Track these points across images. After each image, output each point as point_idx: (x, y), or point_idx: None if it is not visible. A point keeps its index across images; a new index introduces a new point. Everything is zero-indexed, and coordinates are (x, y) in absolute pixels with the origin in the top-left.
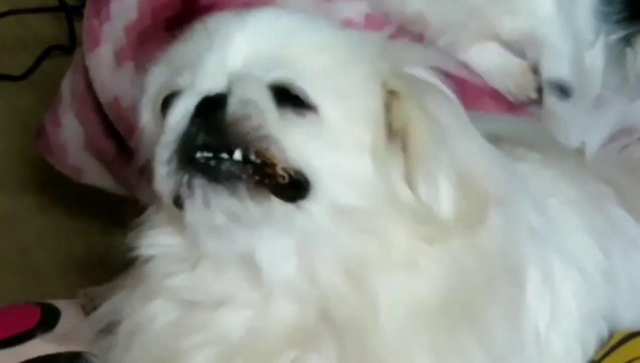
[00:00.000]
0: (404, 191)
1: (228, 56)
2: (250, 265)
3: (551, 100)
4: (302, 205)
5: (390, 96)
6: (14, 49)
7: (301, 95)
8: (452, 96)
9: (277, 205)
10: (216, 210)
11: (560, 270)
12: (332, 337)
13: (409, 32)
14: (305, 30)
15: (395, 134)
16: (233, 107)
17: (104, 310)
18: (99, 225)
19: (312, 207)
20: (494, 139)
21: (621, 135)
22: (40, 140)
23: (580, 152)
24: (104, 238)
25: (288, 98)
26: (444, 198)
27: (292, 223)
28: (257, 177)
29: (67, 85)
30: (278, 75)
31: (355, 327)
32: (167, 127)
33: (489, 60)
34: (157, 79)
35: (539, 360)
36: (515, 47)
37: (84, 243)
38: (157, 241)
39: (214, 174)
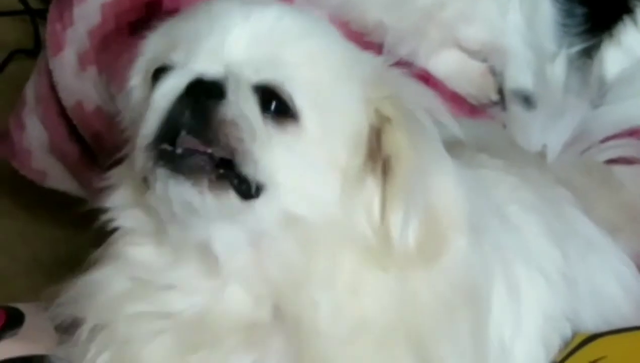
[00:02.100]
0: (362, 217)
1: (226, 44)
2: (206, 253)
3: (514, 107)
4: (253, 204)
5: (381, 121)
6: None
7: (287, 100)
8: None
9: (233, 199)
10: (175, 200)
11: (524, 277)
12: (283, 334)
13: (370, 42)
14: (304, 36)
15: (377, 158)
16: (225, 109)
17: (65, 299)
18: (63, 228)
19: (262, 208)
20: (457, 144)
21: (581, 139)
22: (4, 144)
23: (541, 155)
24: (67, 242)
25: (273, 100)
26: (412, 230)
27: (244, 219)
28: (221, 171)
29: (32, 89)
30: (269, 76)
31: (302, 329)
32: (154, 100)
33: (448, 65)
34: (152, 48)
35: None
36: (478, 56)
37: (48, 247)
38: (128, 213)
39: (179, 166)
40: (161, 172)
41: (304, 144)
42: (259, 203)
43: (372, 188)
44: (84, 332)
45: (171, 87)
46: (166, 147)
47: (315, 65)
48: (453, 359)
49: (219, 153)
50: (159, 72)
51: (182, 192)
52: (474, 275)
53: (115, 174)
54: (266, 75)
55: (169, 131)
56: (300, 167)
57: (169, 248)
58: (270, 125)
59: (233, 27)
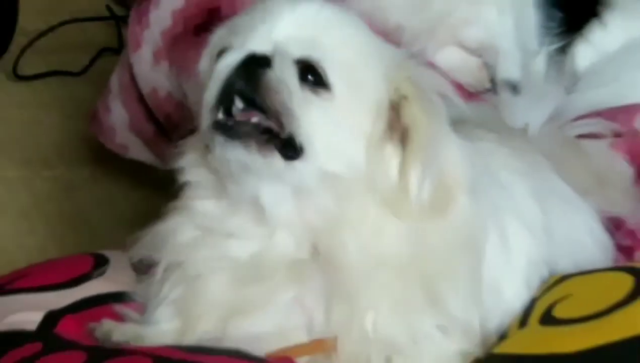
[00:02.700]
0: (383, 176)
1: (275, 29)
2: (257, 206)
3: (504, 94)
4: (295, 164)
5: (400, 98)
6: (75, 50)
7: (322, 74)
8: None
9: (277, 160)
10: (231, 161)
11: (513, 229)
12: (320, 270)
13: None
14: (338, 25)
15: (395, 128)
16: (271, 78)
17: (143, 243)
18: (141, 191)
19: (302, 167)
20: (460, 122)
21: (557, 118)
22: (94, 123)
23: (525, 131)
24: (146, 200)
25: (310, 74)
26: (427, 187)
27: (287, 177)
28: (266, 136)
29: (116, 79)
30: (309, 54)
31: (334, 265)
32: (216, 71)
33: (451, 60)
34: (218, 37)
35: (496, 307)
36: (475, 53)
37: (130, 205)
38: (195, 171)
39: (232, 134)
40: (219, 139)
41: (335, 110)
42: (299, 164)
43: (390, 153)
44: (158, 272)
45: (230, 61)
46: (222, 118)
47: (347, 48)
48: (451, 294)
49: (265, 122)
50: (221, 53)
51: (236, 154)
52: (473, 227)
53: (184, 142)
54: (306, 53)
55: (226, 98)
56: (333, 131)
57: (227, 201)
58: (307, 91)
59: (282, 16)
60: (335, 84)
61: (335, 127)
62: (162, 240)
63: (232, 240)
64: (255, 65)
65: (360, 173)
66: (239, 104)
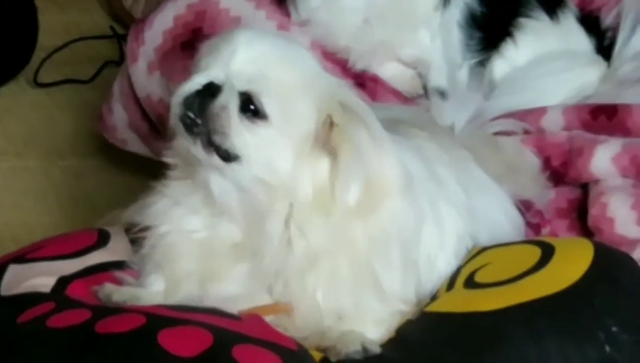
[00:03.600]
0: (308, 184)
1: (231, 61)
2: (208, 190)
3: (434, 99)
4: (232, 166)
5: (331, 123)
6: (84, 63)
7: (259, 106)
8: (376, 122)
9: (217, 160)
10: (187, 147)
11: (444, 210)
12: (257, 259)
13: (339, 59)
14: (285, 62)
15: (325, 147)
16: (215, 105)
17: (134, 209)
18: (140, 178)
19: (238, 170)
20: (396, 122)
21: (478, 118)
22: (100, 122)
23: (451, 129)
24: (142, 187)
25: (252, 104)
26: (352, 193)
27: (227, 173)
28: (211, 140)
29: (117, 87)
30: (252, 87)
31: (264, 256)
32: (178, 93)
33: (391, 72)
34: (198, 55)
35: (430, 276)
36: (410, 66)
37: (128, 190)
38: (173, 157)
39: (189, 132)
40: (180, 130)
41: (269, 134)
42: (235, 167)
43: (320, 162)
44: (146, 245)
45: (188, 87)
46: (182, 114)
47: (286, 83)
48: (385, 275)
49: (209, 136)
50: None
51: (189, 147)
52: (403, 221)
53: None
54: (250, 86)
55: (184, 114)
56: (264, 150)
57: (191, 182)
58: (245, 120)
59: (238, 49)
60: (272, 113)
61: (267, 147)
62: (144, 208)
63: (191, 216)
64: (207, 93)
65: (285, 180)
66: (194, 116)
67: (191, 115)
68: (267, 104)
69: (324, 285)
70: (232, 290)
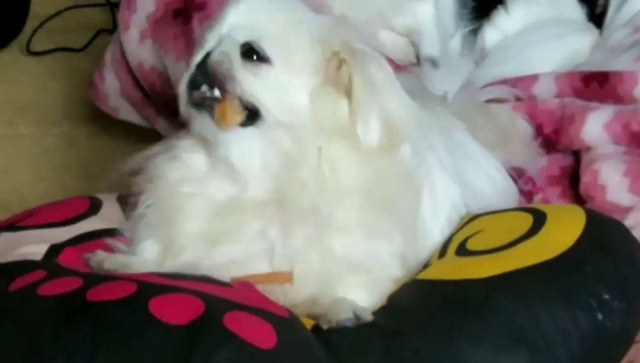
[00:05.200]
0: (330, 119)
1: (224, 22)
2: (229, 165)
3: (427, 67)
4: (255, 125)
5: (340, 61)
6: (77, 31)
7: (260, 52)
8: (384, 61)
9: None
10: (202, 128)
11: (439, 179)
12: (282, 208)
13: None
14: (276, 8)
15: (338, 85)
16: (214, 55)
17: (128, 167)
18: (131, 145)
19: (261, 125)
20: None
21: (469, 86)
22: (92, 90)
23: (443, 97)
24: (134, 154)
25: (254, 54)
26: (373, 133)
27: (252, 134)
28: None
29: (109, 54)
30: (249, 37)
31: (298, 203)
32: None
33: (385, 41)
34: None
35: (424, 243)
36: (404, 35)
37: (120, 157)
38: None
39: (201, 107)
40: (193, 112)
41: (277, 76)
42: (258, 124)
43: (344, 103)
44: (140, 208)
45: (191, 66)
46: (194, 95)
47: (282, 25)
48: (395, 230)
49: (209, 92)
50: None
51: (207, 129)
52: (414, 168)
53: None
54: (248, 36)
55: (193, 87)
56: (276, 91)
57: (208, 160)
58: (251, 66)
59: (229, 10)
60: (274, 56)
61: (278, 90)
62: (150, 174)
63: (212, 183)
64: (207, 58)
65: (308, 120)
66: (204, 88)
67: (200, 91)
68: (268, 48)
69: (348, 227)
70: (231, 255)
